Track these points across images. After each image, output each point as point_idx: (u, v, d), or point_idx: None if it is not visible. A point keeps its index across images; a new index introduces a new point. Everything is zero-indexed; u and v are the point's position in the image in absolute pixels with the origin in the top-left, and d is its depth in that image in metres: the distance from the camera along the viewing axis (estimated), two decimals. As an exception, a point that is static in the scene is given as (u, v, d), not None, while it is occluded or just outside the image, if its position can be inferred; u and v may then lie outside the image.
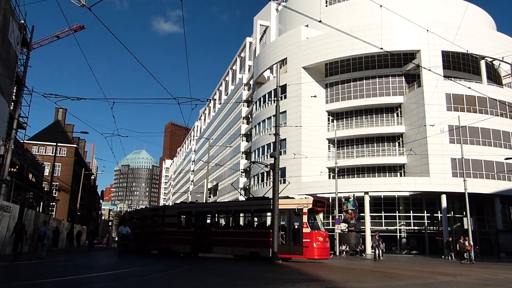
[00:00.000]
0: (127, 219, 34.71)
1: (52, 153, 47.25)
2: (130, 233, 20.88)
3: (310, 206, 20.62)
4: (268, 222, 21.82)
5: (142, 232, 29.82)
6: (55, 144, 42.71)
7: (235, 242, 22.63)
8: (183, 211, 27.20)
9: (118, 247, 20.27)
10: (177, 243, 25.38)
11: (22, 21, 25.80)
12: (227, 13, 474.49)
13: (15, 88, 26.38)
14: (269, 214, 21.64)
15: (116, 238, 45.73)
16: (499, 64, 51.22)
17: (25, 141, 36.07)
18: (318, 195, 43.40)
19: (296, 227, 20.76)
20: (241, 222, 23.64)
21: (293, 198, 22.86)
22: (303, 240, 20.16)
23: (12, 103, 26.01)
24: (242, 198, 53.83)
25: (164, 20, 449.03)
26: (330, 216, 47.17)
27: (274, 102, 51.20)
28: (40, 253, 19.68)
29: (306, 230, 20.27)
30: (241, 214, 23.75)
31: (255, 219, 23.17)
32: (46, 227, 20.78)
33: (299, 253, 20.24)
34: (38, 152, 54.01)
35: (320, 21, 15.32)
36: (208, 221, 25.16)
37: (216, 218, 24.98)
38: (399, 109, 50.80)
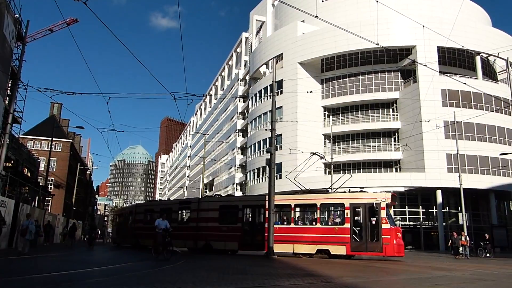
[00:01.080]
0: (135, 212, 30.87)
1: (48, 148, 47.05)
2: (170, 227, 17.66)
3: (389, 200, 19.65)
4: (341, 217, 20.62)
5: None
6: (50, 139, 42.52)
7: (298, 238, 21.04)
8: (226, 205, 24.92)
9: (155, 245, 17.36)
10: (220, 239, 23.21)
11: (17, 15, 25.64)
12: (225, 9, 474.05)
13: (10, 82, 26.24)
14: (340, 208, 20.69)
15: (113, 232, 42.53)
16: (495, 60, 51.33)
17: (20, 136, 35.92)
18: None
19: (373, 223, 19.53)
20: (304, 217, 21.99)
21: (366, 191, 21.55)
22: (383, 236, 19.09)
23: (7, 98, 25.89)
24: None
25: (162, 15, 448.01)
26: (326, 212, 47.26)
27: (270, 98, 51.12)
28: (22, 248, 18.60)
29: (386, 226, 19.23)
30: (305, 209, 22.06)
31: (324, 214, 21.65)
32: (29, 220, 19.68)
33: (378, 250, 19.23)
34: (33, 147, 53.76)
35: (316, 17, 15.30)
36: (260, 215, 23.10)
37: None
38: (394, 104, 50.90)
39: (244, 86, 72.81)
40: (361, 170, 51.49)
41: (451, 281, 11.03)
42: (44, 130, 53.47)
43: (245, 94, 70.24)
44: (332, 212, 21.27)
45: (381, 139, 51.44)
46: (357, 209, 20.11)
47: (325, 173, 50.82)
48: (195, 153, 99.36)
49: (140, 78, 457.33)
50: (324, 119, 54.25)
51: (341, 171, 51.57)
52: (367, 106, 52.22)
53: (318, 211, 21.10)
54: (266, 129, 49.56)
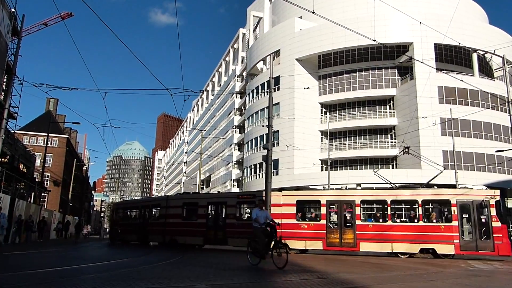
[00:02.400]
0: (167, 206, 26.87)
1: (44, 144, 46.92)
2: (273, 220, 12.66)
3: (498, 197, 19.05)
4: (445, 214, 19.85)
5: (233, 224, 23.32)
6: (46, 134, 42.39)
7: (397, 237, 19.76)
8: (304, 200, 22.92)
9: (255, 245, 12.27)
10: (301, 238, 21.23)
11: (13, 10, 25.51)
12: (225, 5, 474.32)
13: (5, 77, 26.11)
14: (445, 205, 19.92)
15: (115, 227, 33.70)
16: (491, 57, 51.36)
17: (16, 131, 35.79)
18: (310, 187, 43.51)
19: (483, 221, 18.91)
20: (403, 214, 20.95)
21: (471, 188, 20.70)
22: (494, 235, 18.59)
23: (3, 93, 25.79)
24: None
25: (161, 11, 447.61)
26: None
27: (267, 94, 51.13)
28: None
29: (497, 224, 18.71)
30: (403, 205, 21.16)
31: (429, 211, 20.50)
32: (0, 214, 18.77)
33: (489, 249, 18.65)
34: (29, 143, 53.59)
35: (313, 12, 15.25)
36: (346, 211, 21.25)
37: (363, 210, 21.13)
38: (391, 101, 50.95)
39: (241, 82, 72.71)
40: (358, 166, 51.58)
41: (446, 277, 11.08)
42: (40, 126, 53.31)
43: (242, 90, 70.20)
44: (436, 209, 20.36)
45: (378, 135, 51.51)
46: (464, 206, 19.46)
47: (322, 170, 50.93)
48: (192, 149, 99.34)
49: (137, 74, 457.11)
50: (321, 115, 54.26)
51: (338, 168, 51.68)
52: (364, 103, 52.26)
53: (420, 208, 20.03)
54: (263, 126, 49.57)
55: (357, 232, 20.33)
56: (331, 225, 20.98)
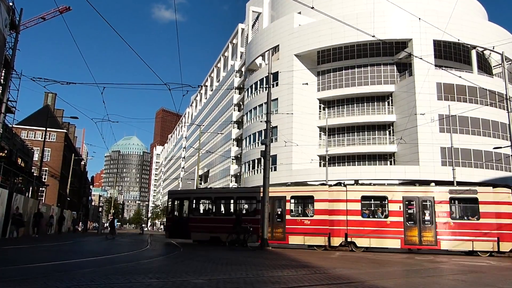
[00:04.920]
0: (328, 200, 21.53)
1: (42, 138, 46.82)
2: None
3: None
4: None
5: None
6: (44, 129, 42.29)
7: None
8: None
9: None
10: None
11: (11, 3, 25.40)
12: (228, 3, 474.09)
13: (3, 71, 26.03)
14: None
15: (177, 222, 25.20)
16: (490, 54, 51.40)
17: (14, 126, 35.72)
18: (308, 182, 43.56)
19: None
20: None
21: None
22: None
23: (1, 87, 25.71)
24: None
25: (165, 7, 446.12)
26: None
27: (265, 90, 51.08)
28: None
29: None
30: None
31: None
32: None
33: None
34: (27, 137, 53.54)
35: (312, 8, 15.23)
36: None
37: None
38: (390, 97, 50.95)
39: (239, 77, 72.64)
40: (356, 162, 51.64)
41: (443, 273, 11.13)
42: (38, 120, 53.21)
43: (241, 86, 70.11)
44: None
45: (376, 132, 51.54)
46: None
47: (320, 166, 50.95)
48: (190, 145, 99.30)
49: (136, 69, 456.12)
50: (320, 111, 54.25)
51: (336, 164, 51.72)
52: (362, 99, 52.26)
53: None
54: (261, 121, 49.52)
55: None
56: None
